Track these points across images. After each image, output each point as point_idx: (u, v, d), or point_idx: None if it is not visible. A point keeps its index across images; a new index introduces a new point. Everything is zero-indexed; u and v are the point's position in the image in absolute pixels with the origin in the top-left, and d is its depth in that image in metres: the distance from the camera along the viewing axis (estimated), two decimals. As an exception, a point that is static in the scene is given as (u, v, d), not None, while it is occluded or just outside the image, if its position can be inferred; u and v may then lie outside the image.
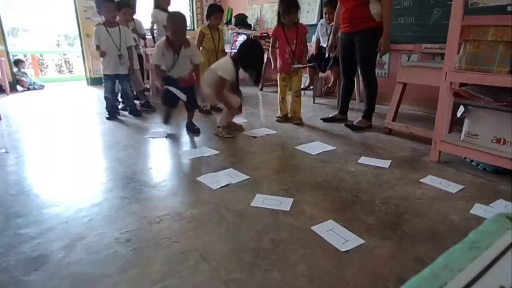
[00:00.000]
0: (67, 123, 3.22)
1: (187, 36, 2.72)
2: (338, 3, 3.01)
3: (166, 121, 2.94)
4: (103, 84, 3.38)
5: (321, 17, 4.36)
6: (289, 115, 3.25)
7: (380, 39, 2.70)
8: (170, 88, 2.59)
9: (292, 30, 3.00)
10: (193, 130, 2.86)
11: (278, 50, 3.10)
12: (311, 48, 4.40)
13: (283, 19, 2.97)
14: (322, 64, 4.00)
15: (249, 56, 2.67)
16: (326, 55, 3.86)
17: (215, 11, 3.46)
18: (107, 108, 3.40)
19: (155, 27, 4.19)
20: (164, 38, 2.62)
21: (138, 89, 3.77)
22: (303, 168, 2.07)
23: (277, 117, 3.28)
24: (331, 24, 3.69)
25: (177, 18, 2.58)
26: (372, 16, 2.71)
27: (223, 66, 2.66)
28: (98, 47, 3.23)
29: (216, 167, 2.06)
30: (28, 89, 5.35)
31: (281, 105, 3.25)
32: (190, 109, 2.87)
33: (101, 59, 3.26)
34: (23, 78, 5.33)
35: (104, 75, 3.35)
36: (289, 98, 3.24)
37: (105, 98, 3.39)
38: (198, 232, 1.36)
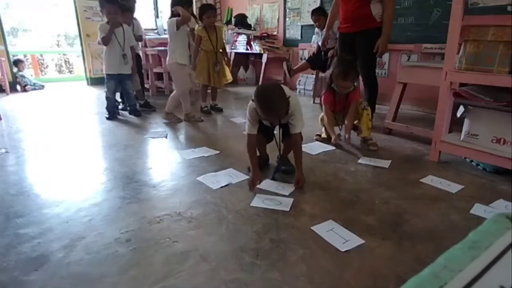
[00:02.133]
0: (67, 123, 3.22)
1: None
2: (335, 0, 3.01)
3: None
4: (106, 84, 3.37)
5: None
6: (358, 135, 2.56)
7: (378, 40, 2.70)
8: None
9: (342, 99, 2.42)
10: (287, 170, 1.95)
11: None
12: (311, 48, 4.40)
13: (335, 84, 2.35)
14: (322, 64, 4.00)
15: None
16: (322, 53, 3.86)
17: (205, 11, 3.33)
18: (107, 108, 3.40)
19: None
20: (253, 103, 1.71)
21: (136, 88, 3.77)
22: (303, 168, 2.06)
23: (316, 134, 2.68)
24: (323, 30, 3.65)
25: (270, 108, 1.62)
26: (374, 16, 2.71)
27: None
28: (103, 38, 3.15)
29: (216, 167, 2.06)
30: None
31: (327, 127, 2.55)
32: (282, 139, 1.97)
33: (102, 59, 3.25)
34: (21, 82, 5.33)
35: (107, 74, 3.33)
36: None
37: (107, 98, 3.38)
38: (198, 232, 1.36)
